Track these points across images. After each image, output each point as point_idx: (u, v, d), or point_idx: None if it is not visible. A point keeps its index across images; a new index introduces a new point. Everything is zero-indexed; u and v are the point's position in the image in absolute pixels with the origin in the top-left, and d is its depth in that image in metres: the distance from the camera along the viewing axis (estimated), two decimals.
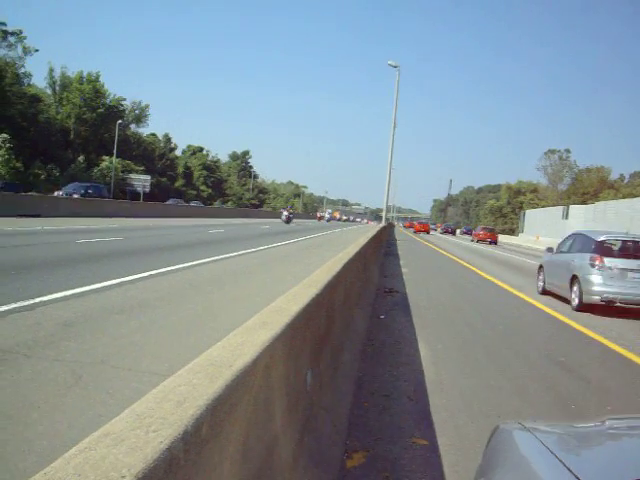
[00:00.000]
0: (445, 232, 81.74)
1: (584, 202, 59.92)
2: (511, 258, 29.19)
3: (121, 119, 65.80)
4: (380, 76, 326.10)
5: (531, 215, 68.86)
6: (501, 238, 60.45)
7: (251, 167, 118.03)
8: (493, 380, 5.68)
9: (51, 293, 7.14)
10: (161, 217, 35.15)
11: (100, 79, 66.49)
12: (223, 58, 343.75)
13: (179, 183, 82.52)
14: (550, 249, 13.86)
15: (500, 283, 15.10)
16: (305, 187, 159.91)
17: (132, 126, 77.27)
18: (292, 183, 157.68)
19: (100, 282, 8.34)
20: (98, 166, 61.12)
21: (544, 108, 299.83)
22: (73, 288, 7.65)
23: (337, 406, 3.99)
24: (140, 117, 78.54)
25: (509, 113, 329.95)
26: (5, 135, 47.78)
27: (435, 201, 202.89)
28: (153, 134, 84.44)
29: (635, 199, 41.92)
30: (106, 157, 62.03)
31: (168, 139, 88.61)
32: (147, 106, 78.81)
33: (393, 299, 10.58)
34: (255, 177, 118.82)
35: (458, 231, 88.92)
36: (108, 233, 18.20)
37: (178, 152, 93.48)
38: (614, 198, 56.72)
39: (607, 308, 10.63)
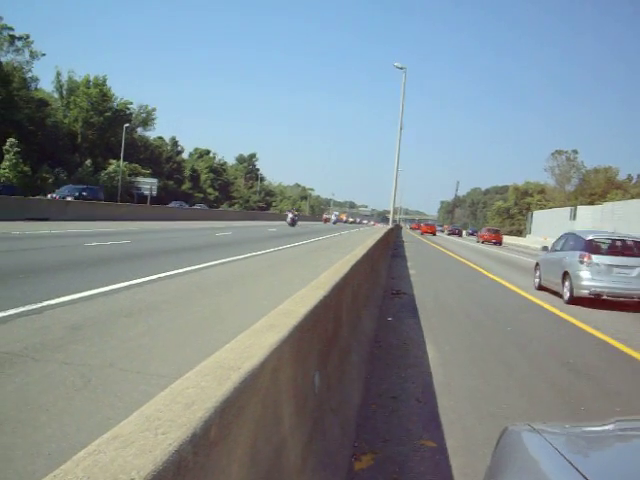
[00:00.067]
0: (451, 233, 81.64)
1: (592, 203, 59.66)
2: (519, 259, 29.08)
3: (128, 122, 66.11)
4: (386, 77, 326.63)
5: (538, 216, 68.63)
6: (507, 239, 60.36)
7: (258, 170, 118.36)
8: (502, 381, 5.67)
9: (59, 296, 7.17)
10: (167, 220, 35.23)
11: (107, 83, 66.96)
12: (222, 58, 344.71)
13: (186, 186, 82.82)
14: (545, 248, 14.94)
15: (507, 284, 15.11)
16: (312, 189, 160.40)
17: (139, 129, 77.67)
18: (299, 185, 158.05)
19: (108, 285, 8.37)
20: (105, 170, 61.45)
21: (551, 109, 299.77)
22: (81, 291, 7.68)
23: (345, 408, 3.98)
24: (147, 120, 78.90)
25: (516, 114, 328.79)
26: (13, 139, 48.19)
27: (442, 203, 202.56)
28: (160, 137, 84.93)
29: None
30: (113, 161, 62.38)
31: (175, 142, 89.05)
32: (154, 109, 79.31)
33: (401, 301, 10.56)
34: (262, 180, 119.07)
35: (464, 232, 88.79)
36: (115, 236, 18.26)
37: (185, 155, 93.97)
38: (622, 198, 56.43)
39: (595, 301, 11.58)
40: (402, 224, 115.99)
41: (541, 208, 77.00)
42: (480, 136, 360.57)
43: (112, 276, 9.27)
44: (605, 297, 11.51)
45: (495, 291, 13.97)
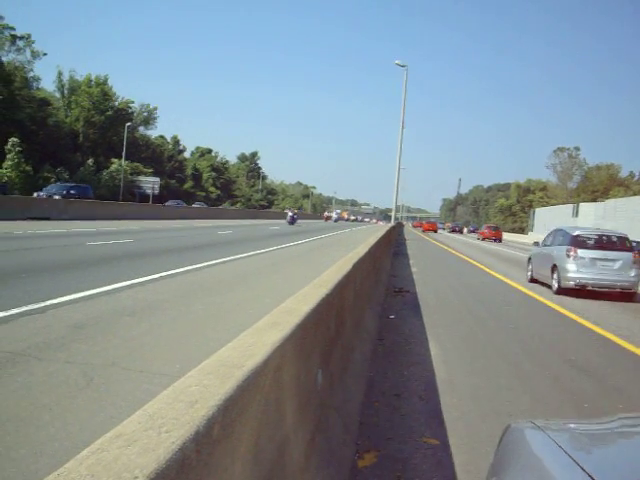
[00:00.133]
0: (453, 231, 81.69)
1: (594, 200, 59.63)
2: (515, 255, 29.04)
3: (130, 121, 66.11)
4: (388, 75, 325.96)
5: (541, 213, 68.61)
6: (509, 237, 60.28)
7: (260, 168, 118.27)
8: (504, 379, 5.66)
9: (62, 296, 7.19)
10: (169, 219, 35.24)
11: (108, 82, 66.96)
12: (224, 57, 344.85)
13: (188, 185, 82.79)
14: (537, 243, 15.79)
15: (508, 280, 15.14)
16: (314, 187, 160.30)
17: (140, 128, 77.67)
18: (301, 184, 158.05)
19: (110, 284, 8.38)
20: (107, 169, 61.45)
21: (553, 106, 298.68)
22: (84, 290, 7.69)
23: (348, 406, 3.98)
24: (148, 119, 78.92)
25: (518, 112, 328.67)
26: (14, 139, 48.21)
27: (444, 200, 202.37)
28: (162, 136, 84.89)
29: None
30: (115, 159, 62.39)
31: (177, 141, 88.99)
32: (155, 108, 79.31)
33: (403, 298, 10.56)
34: (264, 178, 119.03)
35: (465, 230, 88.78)
36: (117, 235, 18.29)
37: (187, 154, 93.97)
38: (624, 195, 56.35)
39: (580, 291, 12.67)
40: (404, 222, 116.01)
41: (543, 205, 76.98)
42: (482, 134, 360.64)
43: (114, 275, 9.28)
44: (590, 288, 12.55)
45: (495, 287, 14.00)
